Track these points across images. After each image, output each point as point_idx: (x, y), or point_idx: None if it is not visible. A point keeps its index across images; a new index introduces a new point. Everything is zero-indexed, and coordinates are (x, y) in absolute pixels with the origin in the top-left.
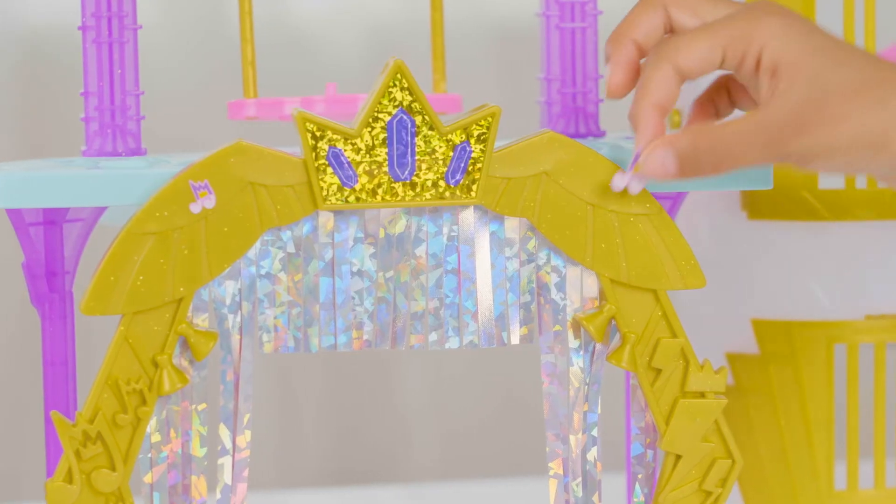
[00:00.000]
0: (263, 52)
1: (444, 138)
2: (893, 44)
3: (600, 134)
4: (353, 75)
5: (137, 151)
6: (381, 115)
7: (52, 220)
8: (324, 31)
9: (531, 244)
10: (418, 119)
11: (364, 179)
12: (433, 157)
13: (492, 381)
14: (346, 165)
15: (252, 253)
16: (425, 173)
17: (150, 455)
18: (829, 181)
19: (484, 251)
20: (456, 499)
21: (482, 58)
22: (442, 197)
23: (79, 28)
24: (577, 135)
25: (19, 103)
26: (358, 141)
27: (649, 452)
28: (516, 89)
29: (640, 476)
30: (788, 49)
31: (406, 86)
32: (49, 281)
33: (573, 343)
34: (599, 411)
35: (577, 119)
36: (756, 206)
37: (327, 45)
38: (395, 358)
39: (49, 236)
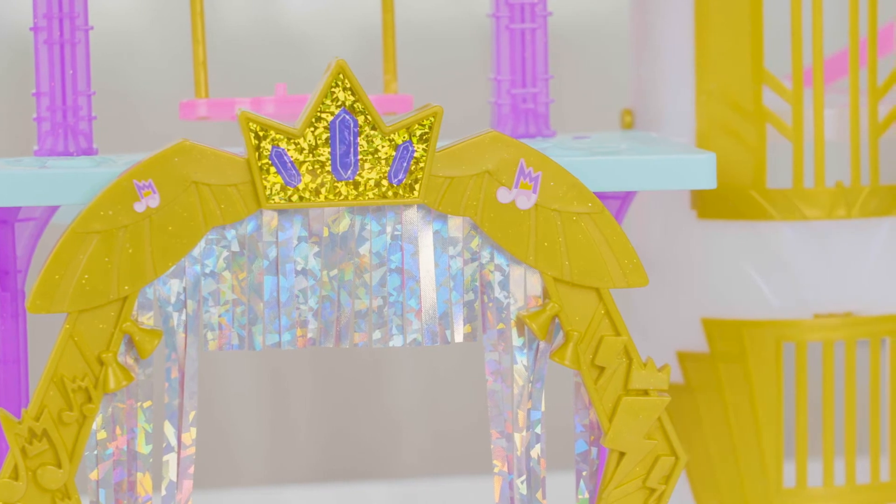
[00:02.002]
0: (252, 52)
1: (387, 138)
2: (843, 49)
3: (550, 134)
4: None
5: (89, 151)
6: (323, 115)
7: (4, 219)
8: (313, 30)
9: (474, 243)
10: (361, 119)
11: (307, 179)
12: (376, 156)
13: (481, 381)
14: (290, 165)
15: (196, 251)
16: (368, 172)
17: (95, 452)
18: (778, 181)
19: (427, 250)
20: (445, 496)
21: (467, 59)
22: (385, 196)
23: (30, 29)
24: (526, 135)
25: (11, 104)
26: (301, 140)
27: (593, 450)
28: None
29: (584, 473)
30: None
31: (348, 86)
32: (1, 279)
33: (517, 341)
34: (543, 409)
35: (527, 119)
36: (705, 205)
37: (316, 45)
38: (386, 357)
39: (1, 235)
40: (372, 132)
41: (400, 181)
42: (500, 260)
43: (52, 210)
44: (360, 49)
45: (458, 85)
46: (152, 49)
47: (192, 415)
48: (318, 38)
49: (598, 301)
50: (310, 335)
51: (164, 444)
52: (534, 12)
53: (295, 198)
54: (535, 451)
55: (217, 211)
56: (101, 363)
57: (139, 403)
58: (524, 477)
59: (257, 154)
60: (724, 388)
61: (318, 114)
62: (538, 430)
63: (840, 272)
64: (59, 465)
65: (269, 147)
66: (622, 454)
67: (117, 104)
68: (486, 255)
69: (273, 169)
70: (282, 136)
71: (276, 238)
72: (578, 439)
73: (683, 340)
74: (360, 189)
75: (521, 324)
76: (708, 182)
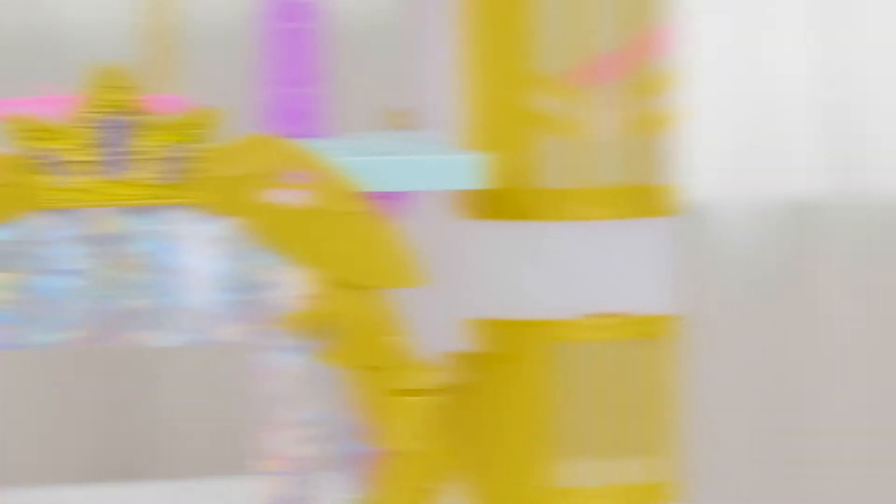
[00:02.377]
0: (24, 54)
1: (159, 139)
2: (617, 49)
3: (324, 135)
4: None
5: None
6: (95, 116)
7: None
8: (87, 32)
9: (246, 243)
10: (132, 120)
11: (78, 179)
12: (148, 157)
13: (253, 381)
14: (60, 165)
15: None
16: (140, 173)
17: None
18: (552, 181)
19: (198, 250)
20: (219, 495)
21: (245, 59)
22: (156, 196)
23: None
24: (299, 135)
25: None
26: (72, 141)
27: (365, 449)
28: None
29: (355, 473)
30: None
31: (120, 87)
32: None
33: (288, 341)
34: (315, 408)
35: (300, 120)
36: (479, 206)
37: (92, 47)
38: (160, 356)
39: None
40: (144, 133)
41: (172, 181)
42: (271, 260)
43: None
44: (137, 50)
45: (234, 85)
46: None
47: None
48: (95, 40)
49: (371, 301)
50: (82, 335)
51: None
52: (306, 11)
53: (66, 198)
54: (307, 451)
55: None
56: None
57: None
58: (296, 476)
59: (28, 154)
60: (496, 388)
61: (90, 114)
62: (310, 429)
63: (612, 272)
64: None
65: (39, 147)
66: (394, 453)
67: None
68: (257, 255)
69: (43, 169)
70: (52, 137)
71: (48, 238)
72: (350, 439)
73: (457, 341)
74: (132, 189)
75: (292, 324)
76: (477, 182)
